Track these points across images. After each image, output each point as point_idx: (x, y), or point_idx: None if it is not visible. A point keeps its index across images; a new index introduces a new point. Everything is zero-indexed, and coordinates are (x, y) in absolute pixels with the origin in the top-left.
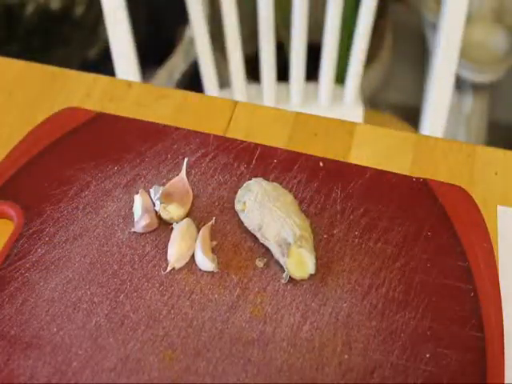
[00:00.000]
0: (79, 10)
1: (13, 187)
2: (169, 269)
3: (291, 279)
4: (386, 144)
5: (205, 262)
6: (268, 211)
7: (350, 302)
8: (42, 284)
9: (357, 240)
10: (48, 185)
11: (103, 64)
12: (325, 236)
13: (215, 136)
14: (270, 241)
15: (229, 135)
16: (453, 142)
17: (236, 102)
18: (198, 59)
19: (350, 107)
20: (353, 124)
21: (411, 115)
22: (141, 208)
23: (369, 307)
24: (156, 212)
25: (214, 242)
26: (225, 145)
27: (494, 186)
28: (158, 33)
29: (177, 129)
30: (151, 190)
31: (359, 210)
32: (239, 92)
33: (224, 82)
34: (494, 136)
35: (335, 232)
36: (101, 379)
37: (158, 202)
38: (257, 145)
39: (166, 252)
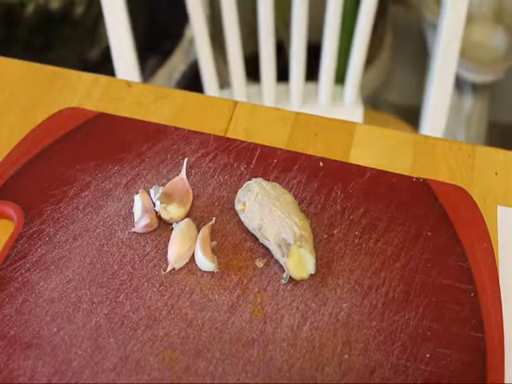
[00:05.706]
0: (79, 10)
1: (13, 187)
2: (169, 269)
3: (291, 279)
4: (386, 144)
5: (205, 262)
6: (268, 211)
7: (349, 302)
8: (41, 284)
9: (357, 240)
10: (48, 185)
11: (103, 64)
12: (325, 236)
13: (215, 136)
14: (270, 241)
15: (229, 135)
16: (453, 142)
17: (236, 102)
18: (198, 59)
19: (349, 107)
20: (353, 124)
21: (411, 115)
22: (141, 208)
23: (369, 307)
24: (156, 212)
25: (214, 242)
26: (225, 145)
27: (494, 186)
28: (158, 33)
29: (177, 129)
30: (151, 190)
31: (359, 210)
32: (239, 92)
33: (224, 82)
34: (493, 136)
35: (335, 232)
36: (101, 379)
37: (158, 202)
38: (257, 145)
39: (166, 252)
